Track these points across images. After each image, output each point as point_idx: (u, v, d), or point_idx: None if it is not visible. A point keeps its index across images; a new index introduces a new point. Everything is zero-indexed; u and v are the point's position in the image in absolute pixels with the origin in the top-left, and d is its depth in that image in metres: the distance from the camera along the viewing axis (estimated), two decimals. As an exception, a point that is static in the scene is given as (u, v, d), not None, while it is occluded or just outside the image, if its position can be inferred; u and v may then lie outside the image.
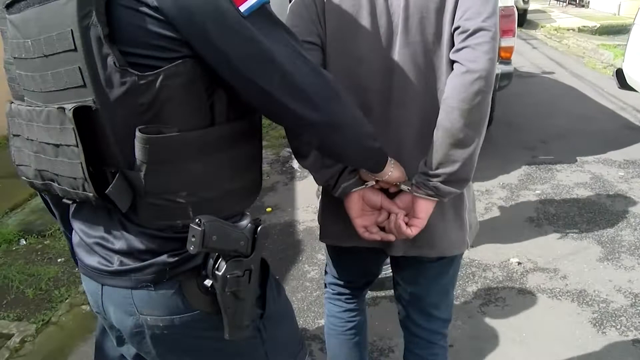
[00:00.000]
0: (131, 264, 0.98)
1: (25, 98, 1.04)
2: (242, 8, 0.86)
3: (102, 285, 1.02)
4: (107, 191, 0.90)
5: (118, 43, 0.84)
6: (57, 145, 0.92)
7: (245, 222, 0.98)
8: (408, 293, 1.51)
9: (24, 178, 1.08)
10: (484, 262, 3.09)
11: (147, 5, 0.83)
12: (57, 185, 0.99)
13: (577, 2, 16.09)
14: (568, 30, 11.81)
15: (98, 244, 1.01)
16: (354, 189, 1.26)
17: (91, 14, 0.83)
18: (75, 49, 0.85)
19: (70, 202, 1.03)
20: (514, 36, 4.14)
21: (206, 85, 0.91)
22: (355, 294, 1.68)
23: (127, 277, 0.98)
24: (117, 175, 0.91)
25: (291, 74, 0.91)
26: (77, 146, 0.88)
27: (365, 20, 1.21)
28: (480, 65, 1.09)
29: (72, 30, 0.84)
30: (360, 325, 1.70)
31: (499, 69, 4.14)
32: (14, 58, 1.01)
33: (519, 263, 3.05)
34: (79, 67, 0.86)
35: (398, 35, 1.21)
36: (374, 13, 1.21)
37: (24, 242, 3.51)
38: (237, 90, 0.93)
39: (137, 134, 0.87)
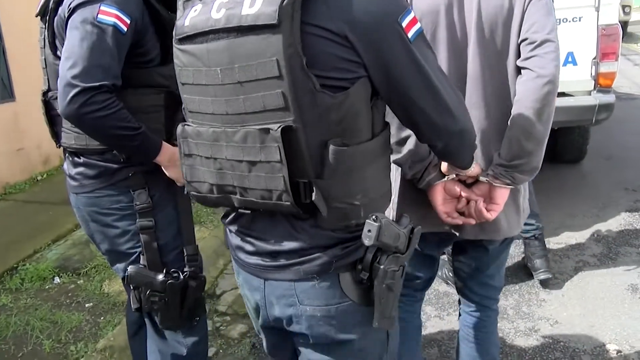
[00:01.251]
0: (298, 258, 1.09)
1: (193, 120, 1.15)
2: (410, 34, 1.01)
3: (265, 280, 1.15)
4: (313, 199, 1.02)
5: (312, 68, 0.97)
6: (254, 162, 1.03)
7: (405, 222, 1.11)
8: (469, 267, 1.71)
9: (193, 193, 1.19)
10: (572, 344, 2.48)
11: (337, 35, 0.97)
12: (238, 197, 1.10)
13: (687, 11, 14.48)
14: (676, 43, 10.55)
15: (262, 246, 1.13)
16: (437, 182, 1.43)
17: (294, 45, 0.95)
18: (279, 76, 0.96)
19: (246, 211, 1.13)
20: (616, 60, 3.46)
21: (371, 101, 1.06)
22: (414, 295, 1.81)
23: (293, 270, 1.10)
24: (312, 185, 1.03)
25: (439, 91, 1.06)
26: (281, 162, 1.00)
27: (442, 34, 1.42)
28: (549, 70, 1.31)
29: (277, 59, 0.95)
30: (417, 328, 1.88)
31: (597, 99, 3.48)
32: (184, 84, 1.14)
33: (619, 352, 2.41)
34: (282, 92, 0.97)
35: (470, 45, 1.41)
36: (451, 27, 1.41)
37: (58, 281, 3.32)
38: (391, 105, 1.09)
39: (331, 147, 1.01)
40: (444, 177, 1.43)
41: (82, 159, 1.71)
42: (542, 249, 2.96)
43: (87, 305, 3.04)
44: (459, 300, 1.88)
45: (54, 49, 1.68)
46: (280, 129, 0.98)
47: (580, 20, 3.41)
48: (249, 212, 1.14)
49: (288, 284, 1.11)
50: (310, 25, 0.97)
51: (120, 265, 1.81)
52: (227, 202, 1.15)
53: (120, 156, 1.66)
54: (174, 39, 1.13)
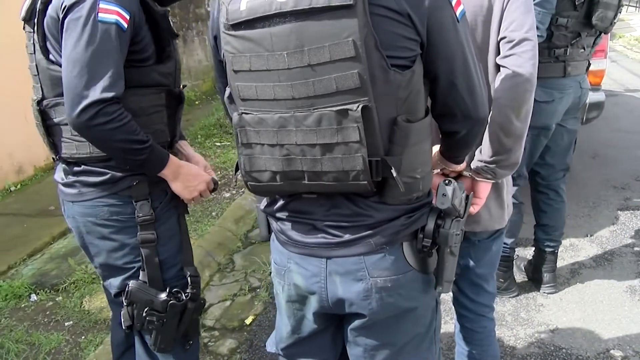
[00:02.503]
0: (367, 231, 1.12)
1: (246, 109, 1.12)
2: (457, 13, 1.08)
3: (328, 258, 1.16)
4: (394, 176, 1.05)
5: (381, 48, 1.00)
6: (329, 144, 1.04)
7: (462, 187, 1.17)
8: (459, 266, 1.65)
9: (251, 183, 1.18)
10: (574, 351, 2.41)
11: (400, 14, 1.01)
12: (306, 182, 1.10)
13: (659, 8, 14.74)
14: (651, 40, 10.71)
15: (328, 224, 1.14)
16: None
17: (367, 24, 0.97)
18: (355, 57, 0.98)
19: (312, 195, 1.14)
20: (605, 57, 3.43)
21: (424, 78, 1.09)
22: None
23: (362, 244, 1.13)
24: (384, 162, 1.05)
25: (473, 75, 1.11)
26: (360, 142, 1.02)
27: None
28: (526, 69, 1.34)
29: (353, 40, 0.97)
30: None
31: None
32: (237, 72, 1.10)
33: (624, 358, 2.35)
34: (358, 72, 0.98)
35: None
36: None
37: (34, 298, 3.14)
38: (434, 84, 1.12)
39: (401, 123, 1.05)
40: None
41: (82, 166, 1.59)
42: (554, 263, 2.89)
43: (66, 324, 2.87)
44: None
45: (46, 53, 1.53)
46: (360, 108, 1.00)
47: (569, 18, 3.35)
48: (314, 195, 1.14)
49: (356, 259, 1.13)
50: (375, 6, 0.98)
51: (113, 281, 1.69)
52: (291, 188, 1.15)
53: (125, 166, 1.56)
54: (222, 25, 1.08)
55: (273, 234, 1.31)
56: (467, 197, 1.20)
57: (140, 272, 1.64)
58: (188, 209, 1.76)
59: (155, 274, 1.64)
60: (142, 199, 1.60)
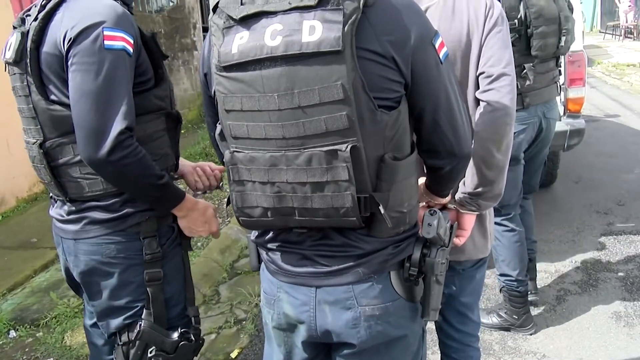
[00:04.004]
0: (356, 261, 1.15)
1: (237, 147, 1.15)
2: (440, 55, 1.12)
3: (318, 287, 1.18)
4: (383, 212, 1.09)
5: (368, 90, 1.04)
6: (319, 183, 1.07)
7: (447, 217, 1.21)
8: (443, 295, 1.65)
9: (242, 219, 1.20)
10: (563, 380, 2.40)
11: (384, 57, 1.05)
12: (296, 218, 1.13)
13: (635, 35, 15.15)
14: (628, 66, 10.97)
15: (317, 253, 1.17)
16: None
17: (355, 68, 1.01)
18: (344, 99, 1.02)
19: (303, 230, 1.17)
20: (583, 85, 3.50)
21: (409, 117, 1.15)
22: None
23: (350, 273, 1.15)
24: (373, 199, 1.09)
25: (456, 114, 1.15)
26: (349, 180, 1.06)
27: None
28: (505, 103, 1.38)
29: (342, 84, 1.01)
30: None
31: (568, 124, 3.49)
32: (229, 111, 1.12)
33: (611, 386, 2.35)
34: (347, 114, 1.02)
35: None
36: None
37: (14, 335, 3.06)
38: (418, 123, 1.16)
39: (389, 161, 1.10)
40: None
41: (90, 203, 1.53)
42: (533, 270, 2.92)
43: (46, 361, 2.80)
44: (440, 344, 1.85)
45: (44, 94, 1.47)
46: (349, 149, 1.03)
47: (547, 48, 3.44)
48: (305, 230, 1.17)
49: (345, 288, 1.16)
50: (361, 50, 1.02)
51: (113, 321, 1.62)
52: (282, 223, 1.18)
53: (142, 201, 1.53)
54: (214, 67, 1.11)
55: (263, 263, 1.32)
56: (451, 226, 1.24)
57: (144, 311, 1.59)
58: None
59: (161, 313, 1.59)
60: (150, 235, 1.55)
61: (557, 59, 2.73)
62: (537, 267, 3.37)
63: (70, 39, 1.38)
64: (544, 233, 3.81)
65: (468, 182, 1.45)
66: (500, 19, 1.46)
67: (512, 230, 2.73)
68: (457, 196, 1.48)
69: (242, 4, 1.09)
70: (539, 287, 3.17)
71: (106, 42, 1.37)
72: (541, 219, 4.02)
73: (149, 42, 1.55)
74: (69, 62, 1.38)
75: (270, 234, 1.24)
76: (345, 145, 1.03)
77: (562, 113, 3.54)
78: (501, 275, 2.77)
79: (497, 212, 2.75)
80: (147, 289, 1.57)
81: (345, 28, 0.99)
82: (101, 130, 1.35)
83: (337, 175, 1.05)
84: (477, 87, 1.46)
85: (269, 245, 1.25)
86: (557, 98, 3.45)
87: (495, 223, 2.78)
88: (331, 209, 1.09)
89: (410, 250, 1.19)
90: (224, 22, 1.10)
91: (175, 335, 1.59)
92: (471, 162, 1.40)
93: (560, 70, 2.78)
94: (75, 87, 1.37)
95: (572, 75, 3.44)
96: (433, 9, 1.47)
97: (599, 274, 3.26)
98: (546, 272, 3.34)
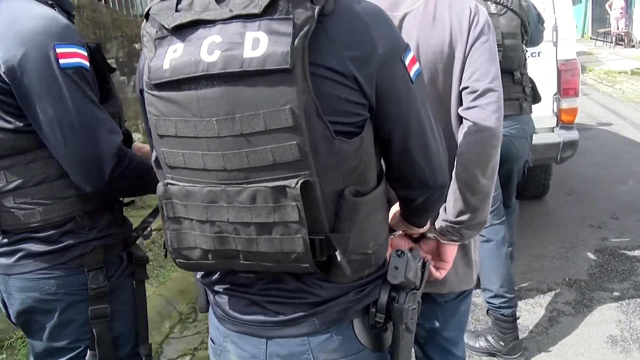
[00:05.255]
0: (312, 309, 0.99)
1: (174, 177, 0.99)
2: (411, 73, 0.97)
3: (269, 339, 1.02)
4: (339, 260, 0.93)
5: (324, 114, 0.87)
6: (266, 224, 0.91)
7: (417, 255, 1.09)
8: (425, 329, 1.55)
9: (180, 261, 1.03)
10: (556, 412, 2.24)
11: (343, 75, 0.88)
12: (242, 262, 0.98)
13: (626, 42, 15.14)
14: (620, 73, 10.92)
15: (267, 300, 1.02)
16: None
17: (307, 90, 0.85)
18: (293, 126, 0.85)
19: (250, 275, 1.02)
20: (577, 96, 3.37)
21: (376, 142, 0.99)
22: None
23: (306, 323, 0.99)
24: (329, 241, 0.93)
25: (429, 140, 1.01)
26: (300, 222, 0.89)
27: None
28: (491, 123, 1.24)
29: (291, 108, 0.84)
30: None
31: (560, 136, 3.36)
32: (162, 136, 0.96)
33: (608, 420, 2.19)
34: (297, 144, 0.86)
35: None
36: None
37: (-27, 358, 2.87)
38: (386, 150, 1.02)
39: (349, 197, 0.93)
40: (391, 233, 1.30)
41: (24, 234, 1.37)
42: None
43: (6, 388, 2.62)
44: None
45: None
46: (299, 185, 0.87)
47: (539, 56, 3.32)
48: (252, 275, 1.02)
49: (300, 340, 1.01)
50: (315, 66, 0.86)
51: None
52: (226, 266, 1.03)
53: (87, 224, 1.38)
54: (144, 84, 0.96)
55: (210, 306, 1.16)
56: (423, 264, 1.10)
57: (88, 352, 1.43)
58: (146, 268, 1.58)
59: (108, 354, 1.44)
60: (95, 267, 1.40)
61: (513, 75, 2.63)
62: (529, 284, 3.25)
63: (13, 66, 1.22)
64: (536, 248, 3.67)
65: (450, 208, 1.30)
66: (487, 28, 1.31)
67: (488, 240, 2.59)
68: (437, 224, 1.33)
69: (177, 10, 0.92)
70: (531, 305, 3.04)
71: (61, 61, 1.24)
72: (533, 233, 3.89)
73: (94, 54, 1.38)
74: (21, 92, 1.24)
75: (217, 275, 1.08)
76: (296, 180, 0.87)
77: (554, 124, 3.42)
78: (483, 290, 2.63)
79: None
80: (92, 327, 1.41)
81: (296, 42, 0.83)
82: (95, 158, 1.27)
83: (285, 215, 0.90)
84: (461, 103, 1.31)
85: (215, 288, 1.09)
86: (550, 108, 3.38)
87: None
88: (280, 253, 0.93)
89: (377, 294, 1.03)
90: (157, 32, 0.94)
91: None
92: (453, 187, 1.27)
93: (524, 88, 2.66)
94: (47, 119, 1.25)
95: (565, 85, 3.32)
96: (412, 15, 1.31)
97: (594, 293, 3.11)
98: (538, 290, 3.19)
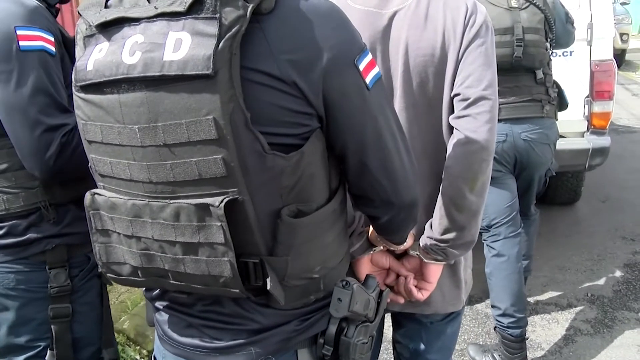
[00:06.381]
0: (249, 338, 0.92)
1: (105, 186, 0.93)
2: (368, 80, 0.87)
3: None
4: (269, 288, 0.85)
5: (256, 125, 0.79)
6: (191, 244, 0.84)
7: (373, 284, 0.99)
8: (408, 350, 1.48)
9: (111, 276, 0.97)
10: None
11: (283, 81, 0.80)
12: (171, 282, 0.90)
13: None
14: (676, 72, 10.28)
15: (204, 323, 0.94)
16: (362, 255, 1.22)
17: (234, 98, 0.77)
18: (218, 139, 0.78)
19: (182, 295, 0.95)
20: (611, 99, 3.14)
21: (327, 155, 0.90)
22: None
23: (243, 352, 0.93)
24: (263, 265, 0.86)
25: (391, 154, 0.92)
26: (226, 244, 0.82)
27: None
28: (482, 135, 1.13)
29: (214, 118, 0.77)
30: None
31: (590, 142, 3.14)
32: (90, 142, 0.91)
33: None
34: (223, 158, 0.78)
35: (397, 98, 1.22)
36: None
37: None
38: (343, 164, 0.93)
39: (285, 218, 0.85)
40: (371, 248, 1.23)
41: None
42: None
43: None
44: None
45: None
46: (223, 204, 0.79)
47: (571, 55, 3.10)
48: (185, 296, 0.95)
49: None
50: (249, 70, 0.79)
51: (14, 359, 1.44)
52: (157, 285, 0.96)
53: (52, 217, 1.36)
54: (73, 85, 0.90)
55: None
56: (380, 294, 1.01)
57: (48, 351, 1.41)
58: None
59: (67, 355, 1.42)
60: (57, 266, 1.38)
61: (535, 74, 2.43)
62: (549, 298, 3.07)
63: None
64: (560, 259, 3.47)
65: (436, 225, 1.20)
66: (484, 29, 1.18)
67: (499, 255, 2.44)
68: (422, 241, 1.23)
69: (106, 6, 0.86)
70: (547, 321, 2.86)
71: (21, 43, 1.22)
72: (559, 242, 3.68)
73: (69, 45, 1.35)
74: None
75: (157, 291, 1.01)
76: (220, 199, 0.79)
77: (585, 128, 3.20)
78: (492, 307, 2.49)
79: (486, 231, 2.49)
80: (52, 326, 1.39)
81: (221, 44, 0.75)
82: (42, 145, 1.23)
83: (210, 236, 0.82)
84: (453, 111, 1.19)
85: (157, 304, 1.02)
86: (580, 112, 3.16)
87: (485, 244, 2.53)
88: (208, 276, 0.86)
89: (324, 324, 0.94)
90: (86, 29, 0.88)
91: None
92: (440, 203, 1.19)
93: (548, 89, 2.46)
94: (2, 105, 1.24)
95: (598, 87, 3.08)
96: (402, 13, 1.20)
97: (617, 313, 2.90)
98: (557, 305, 3.00)
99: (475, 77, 1.16)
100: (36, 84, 1.23)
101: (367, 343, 0.96)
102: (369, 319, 0.97)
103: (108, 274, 0.98)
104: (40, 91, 1.24)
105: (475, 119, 1.14)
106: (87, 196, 0.94)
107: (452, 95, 1.19)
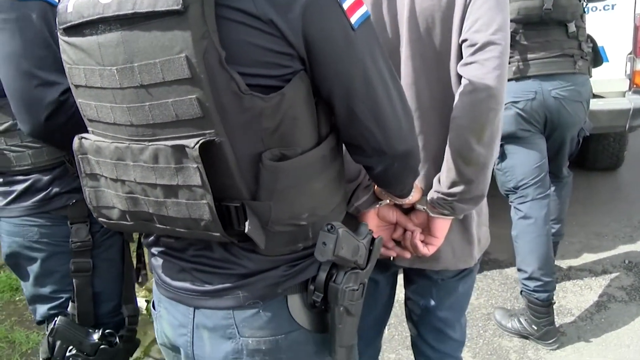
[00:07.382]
0: (237, 282, 0.93)
1: (94, 130, 0.94)
2: (353, 20, 0.84)
3: (196, 308, 0.97)
4: (246, 231, 0.85)
5: (233, 64, 0.78)
6: (171, 186, 0.85)
7: (364, 231, 0.97)
8: (419, 307, 1.48)
9: (103, 220, 1.00)
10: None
11: (259, 19, 0.78)
12: (157, 225, 0.92)
13: None
14: None
15: (195, 267, 0.96)
16: (368, 208, 1.22)
17: (207, 35, 0.75)
18: (191, 78, 0.77)
19: (171, 239, 0.97)
20: (656, 56, 2.96)
21: (314, 99, 0.88)
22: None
23: (231, 297, 0.93)
24: (246, 210, 0.85)
25: (382, 101, 0.89)
26: (203, 186, 0.82)
27: None
28: (490, 82, 1.07)
29: (186, 56, 0.76)
30: None
31: (631, 102, 2.98)
32: (77, 86, 0.92)
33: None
34: (197, 98, 0.78)
35: (403, 45, 1.19)
36: (380, 25, 1.18)
37: (23, 296, 3.07)
38: (333, 110, 0.90)
39: (267, 162, 0.84)
40: (377, 202, 1.22)
41: (17, 177, 1.40)
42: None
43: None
44: None
45: None
46: (198, 145, 0.78)
47: (613, 9, 2.93)
48: (172, 240, 0.98)
49: (225, 313, 0.94)
50: (224, 7, 0.77)
51: (39, 308, 1.52)
52: (145, 229, 0.99)
53: (73, 170, 1.35)
54: (57, 28, 0.90)
55: None
56: (372, 241, 0.98)
57: (70, 303, 1.46)
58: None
59: (87, 308, 1.46)
60: (79, 221, 1.41)
61: (566, 27, 2.28)
62: (582, 264, 2.98)
63: None
64: (597, 225, 3.36)
65: (443, 178, 1.17)
66: None
67: (526, 217, 2.36)
68: (429, 195, 1.20)
69: None
70: (579, 287, 2.79)
71: None
72: (596, 208, 3.56)
73: None
74: None
75: (153, 237, 1.03)
76: (195, 140, 0.79)
77: (627, 88, 3.03)
78: (518, 270, 2.43)
79: (513, 193, 2.41)
80: (73, 280, 1.43)
81: None
82: (34, 98, 1.21)
83: (188, 178, 0.82)
84: (461, 58, 1.14)
85: (152, 250, 1.05)
86: (622, 70, 3.00)
87: (513, 206, 2.46)
88: (189, 219, 0.87)
89: (314, 271, 0.94)
90: None
91: (95, 337, 1.44)
92: (447, 155, 1.14)
93: (580, 44, 2.31)
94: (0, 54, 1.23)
95: (641, 43, 2.91)
96: None
97: (655, 281, 2.80)
98: (591, 271, 2.91)
99: (484, 20, 1.10)
100: (34, 35, 1.22)
101: (357, 290, 0.95)
102: (359, 266, 0.95)
103: (99, 218, 1.01)
104: (38, 43, 1.22)
105: (482, 65, 1.08)
106: (75, 140, 0.96)
107: (460, 41, 1.14)
